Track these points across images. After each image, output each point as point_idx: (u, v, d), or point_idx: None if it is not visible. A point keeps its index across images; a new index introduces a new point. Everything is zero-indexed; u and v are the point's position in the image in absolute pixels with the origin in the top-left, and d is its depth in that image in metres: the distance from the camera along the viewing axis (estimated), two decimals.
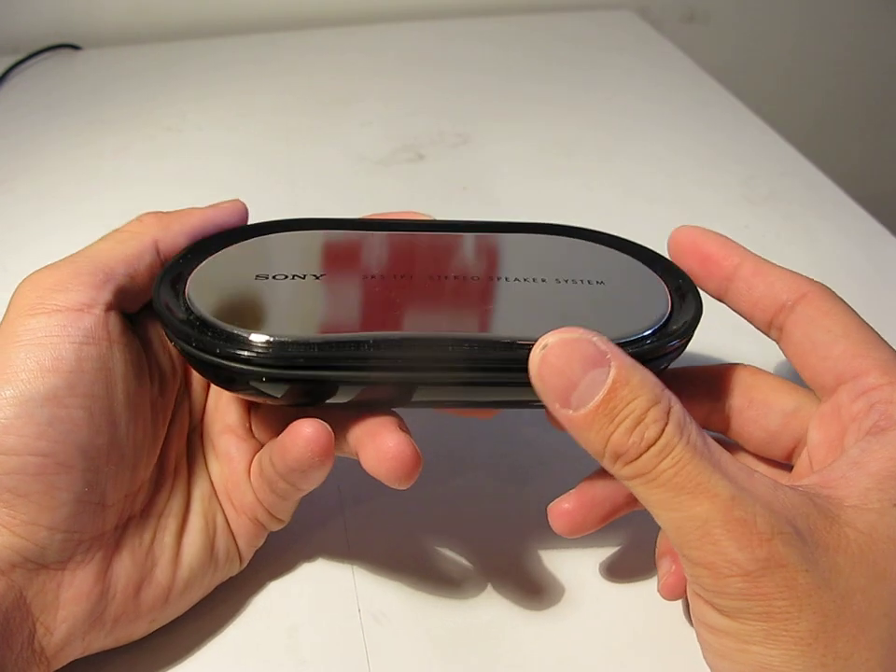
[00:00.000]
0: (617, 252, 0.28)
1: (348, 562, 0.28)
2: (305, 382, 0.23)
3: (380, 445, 0.23)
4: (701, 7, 0.83)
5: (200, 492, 0.27)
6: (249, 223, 0.28)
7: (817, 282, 0.25)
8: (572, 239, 0.28)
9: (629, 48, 0.70)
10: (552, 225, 0.29)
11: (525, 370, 0.21)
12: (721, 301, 0.26)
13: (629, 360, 0.20)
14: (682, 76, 0.65)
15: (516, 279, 0.26)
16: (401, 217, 0.28)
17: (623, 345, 0.23)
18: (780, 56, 0.89)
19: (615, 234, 0.28)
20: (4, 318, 0.23)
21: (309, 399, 0.24)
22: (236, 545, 0.27)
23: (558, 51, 0.69)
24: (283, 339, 0.22)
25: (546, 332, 0.22)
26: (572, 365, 0.20)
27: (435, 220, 0.28)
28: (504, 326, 0.24)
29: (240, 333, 0.23)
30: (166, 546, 0.25)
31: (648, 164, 0.53)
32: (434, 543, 0.29)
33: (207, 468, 0.27)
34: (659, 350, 0.23)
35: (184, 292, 0.24)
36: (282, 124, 0.58)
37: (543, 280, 0.26)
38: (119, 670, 0.25)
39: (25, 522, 0.22)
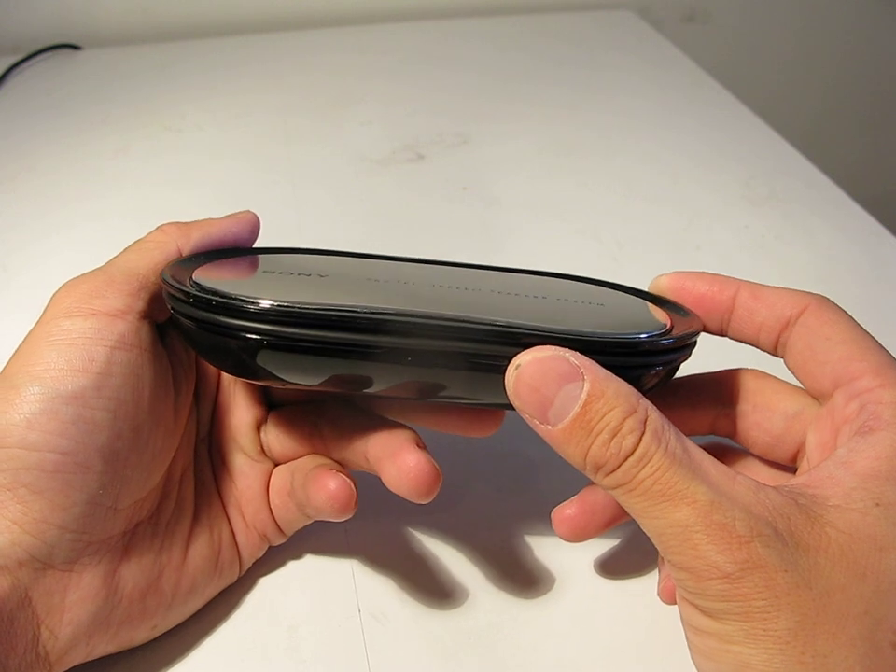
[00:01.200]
0: (617, 292, 0.28)
1: (348, 562, 0.29)
2: (301, 346, 0.22)
3: (401, 465, 0.24)
4: (701, 7, 0.83)
5: (206, 504, 0.27)
6: (263, 245, 0.28)
7: (816, 294, 0.25)
8: (572, 281, 0.28)
9: (629, 48, 0.71)
10: (551, 272, 0.29)
11: (517, 348, 0.21)
12: (723, 335, 0.26)
13: (603, 373, 0.21)
14: (682, 76, 0.65)
15: (517, 294, 0.26)
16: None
17: (619, 343, 0.23)
18: (780, 56, 0.89)
19: (615, 281, 0.29)
20: (40, 320, 0.23)
21: (309, 379, 0.23)
22: (239, 556, 0.27)
23: (558, 51, 0.69)
24: (280, 303, 0.22)
25: (547, 324, 0.22)
26: (546, 382, 0.21)
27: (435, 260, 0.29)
28: (499, 314, 0.23)
29: (238, 295, 0.22)
30: (173, 554, 0.25)
31: (648, 164, 0.53)
32: (434, 543, 0.29)
33: (216, 481, 0.28)
34: (657, 347, 0.23)
35: (191, 276, 0.24)
36: (282, 124, 0.58)
37: (544, 297, 0.26)
38: (120, 669, 0.25)
39: (36, 520, 0.22)
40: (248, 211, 0.28)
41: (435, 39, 0.72)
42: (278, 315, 0.22)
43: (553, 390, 0.21)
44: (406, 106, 0.60)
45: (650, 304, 0.26)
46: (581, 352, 0.21)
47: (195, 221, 0.27)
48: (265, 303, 0.22)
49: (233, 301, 0.22)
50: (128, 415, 0.23)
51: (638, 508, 0.20)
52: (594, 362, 0.21)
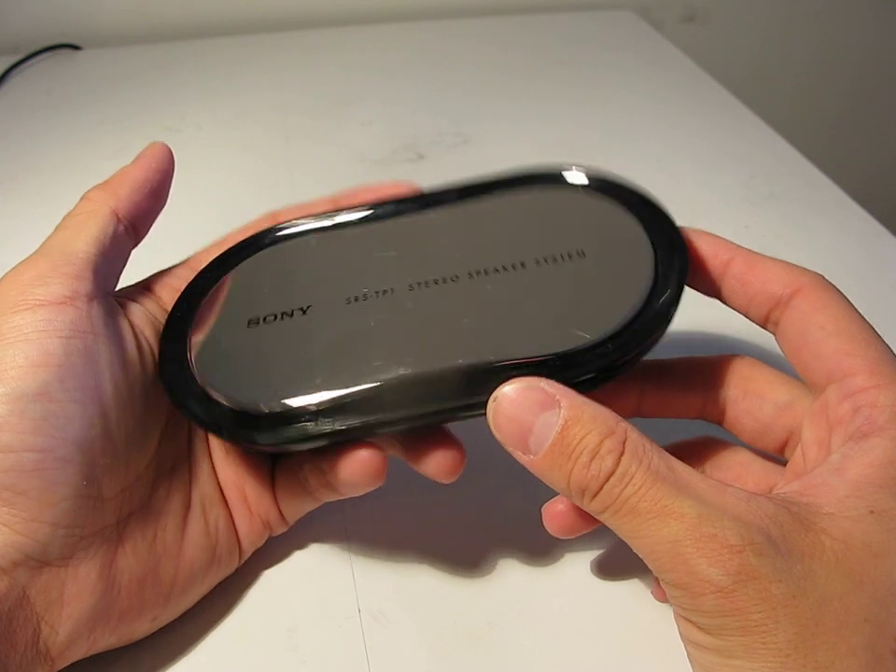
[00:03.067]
0: (601, 200, 0.27)
1: (348, 561, 0.29)
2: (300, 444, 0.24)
3: (428, 446, 0.24)
4: (701, 7, 0.83)
5: (201, 494, 0.27)
6: (227, 249, 0.28)
7: (812, 273, 0.24)
8: (554, 192, 0.27)
9: (629, 48, 0.70)
10: (532, 175, 0.28)
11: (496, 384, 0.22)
12: (715, 298, 0.26)
13: (579, 399, 0.21)
14: (682, 76, 0.65)
15: (496, 269, 0.25)
16: (378, 191, 0.28)
17: (605, 342, 0.23)
18: (780, 56, 0.89)
19: (599, 173, 0.28)
20: None
21: (308, 447, 0.25)
22: (239, 545, 0.27)
23: (558, 51, 0.69)
24: (275, 436, 0.23)
25: (525, 343, 0.23)
26: (523, 412, 0.21)
27: (408, 194, 0.28)
28: (486, 345, 0.24)
29: (240, 411, 0.24)
30: (168, 544, 0.25)
31: (648, 164, 0.53)
32: (434, 543, 0.29)
33: (215, 470, 0.27)
34: (636, 342, 0.23)
35: (189, 365, 0.25)
36: (282, 124, 0.58)
37: (523, 265, 0.25)
38: (121, 669, 0.25)
39: (26, 519, 0.21)
40: (154, 143, 0.28)
41: (435, 39, 0.72)
42: (278, 441, 0.24)
43: (530, 419, 0.21)
44: (406, 106, 0.60)
45: (636, 227, 0.26)
46: (561, 368, 0.22)
47: (113, 176, 0.27)
48: (265, 436, 0.23)
49: (236, 433, 0.24)
50: (95, 402, 0.23)
51: (627, 529, 0.20)
52: (568, 388, 0.21)
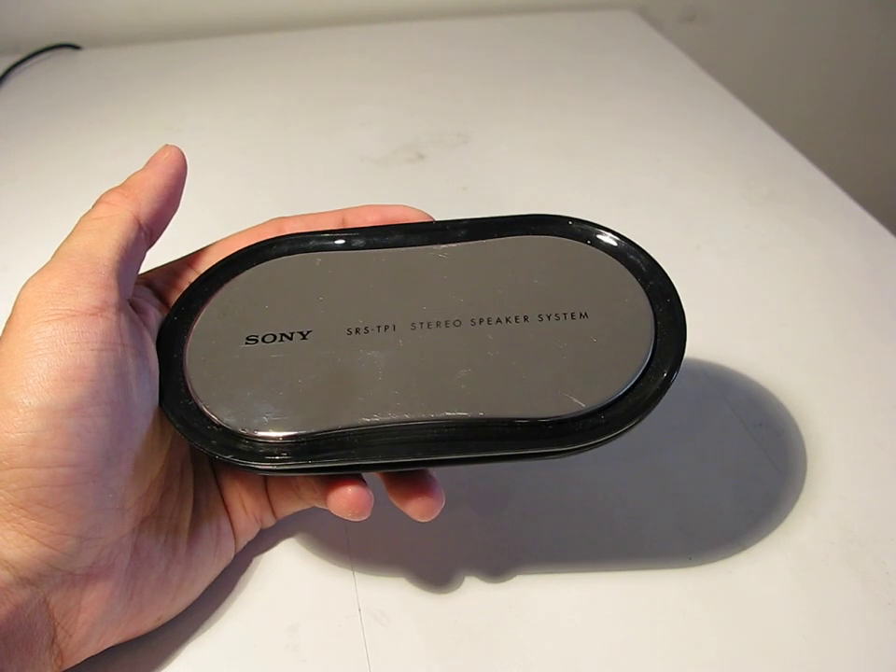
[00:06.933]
0: (610, 261, 0.26)
1: (348, 562, 0.29)
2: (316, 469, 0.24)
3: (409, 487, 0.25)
4: (701, 7, 0.83)
5: (206, 496, 0.27)
6: (230, 255, 0.28)
7: None
8: (564, 246, 0.27)
9: (629, 48, 0.71)
10: (544, 223, 0.27)
11: (507, 440, 0.23)
12: None
13: None
14: (682, 76, 0.65)
15: (499, 320, 0.25)
16: (386, 211, 0.28)
17: (598, 412, 0.23)
18: (780, 56, 0.89)
19: (611, 232, 0.27)
20: (13, 325, 0.22)
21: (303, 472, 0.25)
22: (235, 542, 0.28)
23: (558, 51, 0.69)
24: (273, 464, 0.24)
25: (519, 403, 0.24)
26: None
27: (417, 224, 0.28)
28: (480, 400, 0.24)
29: (241, 442, 0.24)
30: (178, 547, 0.25)
31: (647, 164, 0.53)
32: (434, 543, 0.29)
33: (214, 474, 0.28)
34: (629, 416, 0.23)
35: (184, 376, 0.25)
36: (282, 124, 0.58)
37: (526, 318, 0.25)
38: (121, 668, 0.25)
39: (54, 532, 0.21)
40: (168, 146, 0.27)
41: (435, 39, 0.72)
42: (273, 470, 0.24)
43: None
44: (406, 107, 0.60)
45: (642, 304, 0.25)
46: (552, 434, 0.23)
47: (133, 181, 0.26)
48: (265, 465, 0.24)
49: (236, 461, 0.24)
50: (123, 415, 0.23)
51: None
52: None
